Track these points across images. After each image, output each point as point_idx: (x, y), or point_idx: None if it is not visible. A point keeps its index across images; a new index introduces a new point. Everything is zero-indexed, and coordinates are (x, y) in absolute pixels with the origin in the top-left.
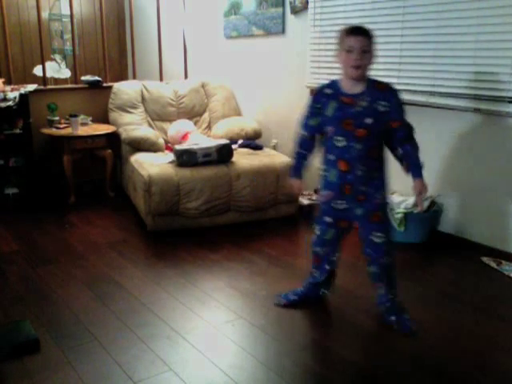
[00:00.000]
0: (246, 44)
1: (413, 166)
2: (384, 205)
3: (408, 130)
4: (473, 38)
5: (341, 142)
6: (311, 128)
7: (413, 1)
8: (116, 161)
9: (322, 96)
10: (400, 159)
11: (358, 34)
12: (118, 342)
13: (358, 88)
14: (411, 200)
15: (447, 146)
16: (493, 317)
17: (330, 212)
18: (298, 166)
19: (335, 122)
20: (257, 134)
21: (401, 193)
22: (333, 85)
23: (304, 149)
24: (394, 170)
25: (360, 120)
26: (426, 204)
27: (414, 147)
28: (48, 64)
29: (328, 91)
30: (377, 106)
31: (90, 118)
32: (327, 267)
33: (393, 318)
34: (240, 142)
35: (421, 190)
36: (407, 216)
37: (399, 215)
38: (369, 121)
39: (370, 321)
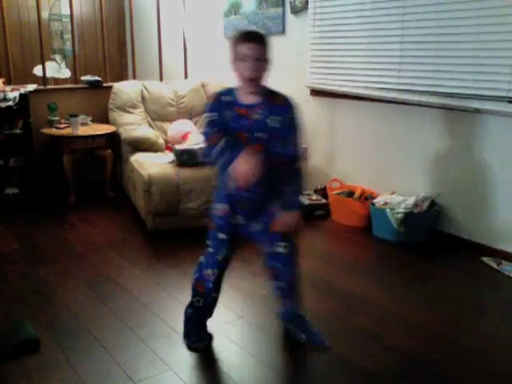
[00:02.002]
0: None
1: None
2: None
3: (296, 152)
4: (473, 38)
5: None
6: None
7: (413, 1)
8: (116, 161)
9: (219, 104)
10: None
11: (252, 40)
12: (117, 342)
13: (253, 98)
14: (411, 200)
15: (447, 145)
16: (493, 317)
17: (224, 227)
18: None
19: (231, 133)
20: None
21: (401, 193)
22: (230, 92)
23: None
24: (394, 169)
25: (252, 133)
26: (426, 204)
27: (297, 175)
28: (48, 64)
29: (225, 99)
30: (270, 120)
31: (90, 118)
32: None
33: (303, 335)
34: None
35: (283, 226)
36: (407, 216)
37: (399, 215)
38: (261, 135)
39: (371, 321)
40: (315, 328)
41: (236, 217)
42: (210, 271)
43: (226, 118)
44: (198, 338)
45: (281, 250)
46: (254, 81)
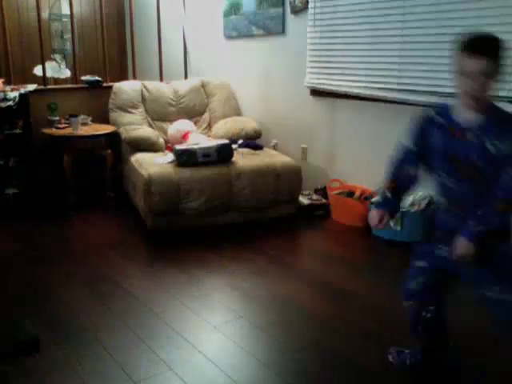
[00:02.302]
0: (246, 44)
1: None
2: None
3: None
4: None
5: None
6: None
7: (413, 1)
8: (116, 161)
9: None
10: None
11: (479, 53)
12: (117, 342)
13: (472, 117)
14: (409, 199)
15: None
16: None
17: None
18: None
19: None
20: (257, 134)
21: None
22: (445, 111)
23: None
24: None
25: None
26: (423, 203)
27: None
28: (48, 64)
29: (439, 120)
30: (490, 145)
31: (90, 118)
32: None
33: None
34: (240, 141)
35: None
36: (404, 215)
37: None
38: (476, 161)
39: (370, 321)
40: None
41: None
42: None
43: (430, 142)
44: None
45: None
46: (478, 98)
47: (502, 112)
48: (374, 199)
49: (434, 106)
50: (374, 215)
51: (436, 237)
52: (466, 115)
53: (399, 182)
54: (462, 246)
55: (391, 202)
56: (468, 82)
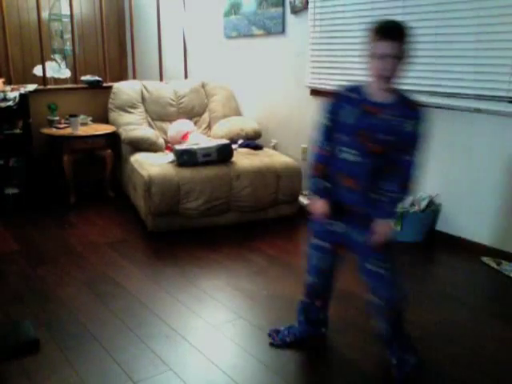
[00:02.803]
0: (246, 44)
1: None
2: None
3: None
4: (473, 38)
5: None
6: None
7: (413, 1)
8: (116, 161)
9: (343, 100)
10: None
11: (391, 37)
12: (117, 342)
13: (385, 97)
14: (408, 199)
15: (447, 145)
16: (493, 317)
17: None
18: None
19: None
20: (257, 134)
21: None
22: (358, 89)
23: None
24: None
25: (376, 134)
26: (423, 203)
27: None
28: (48, 64)
29: (353, 95)
30: (398, 123)
31: (90, 118)
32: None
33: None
34: (240, 142)
35: (378, 236)
36: (403, 215)
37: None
38: (385, 137)
39: (370, 320)
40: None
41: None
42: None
43: (344, 117)
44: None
45: (374, 267)
46: (389, 78)
47: (406, 96)
48: (309, 188)
49: (347, 85)
50: (318, 206)
51: (331, 213)
52: (377, 94)
53: (327, 163)
54: (385, 227)
55: (329, 189)
56: (380, 64)
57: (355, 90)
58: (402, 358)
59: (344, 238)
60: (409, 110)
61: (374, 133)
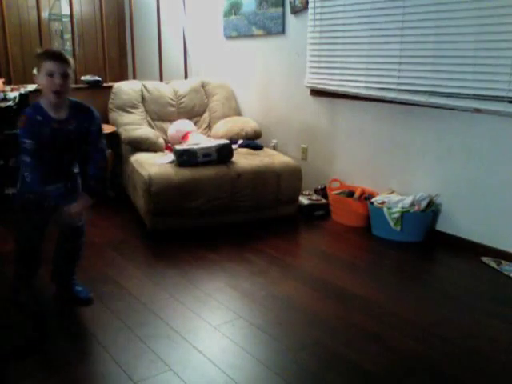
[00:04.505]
0: (246, 44)
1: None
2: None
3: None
4: (473, 38)
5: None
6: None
7: (413, 1)
8: (116, 161)
9: (34, 125)
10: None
11: (57, 59)
12: (117, 342)
13: (63, 113)
14: (409, 199)
15: (447, 145)
16: (493, 317)
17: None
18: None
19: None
20: (257, 134)
21: (400, 192)
22: (40, 110)
23: None
24: (394, 169)
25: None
26: (423, 204)
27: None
28: None
29: (39, 118)
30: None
31: None
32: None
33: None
34: (240, 142)
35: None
36: (404, 215)
37: (396, 214)
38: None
39: (370, 321)
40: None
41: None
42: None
43: (40, 134)
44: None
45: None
46: (63, 95)
47: (79, 103)
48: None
49: (29, 107)
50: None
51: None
52: (55, 110)
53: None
54: (85, 201)
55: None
56: (54, 82)
57: (38, 111)
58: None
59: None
60: (83, 115)
61: (65, 138)
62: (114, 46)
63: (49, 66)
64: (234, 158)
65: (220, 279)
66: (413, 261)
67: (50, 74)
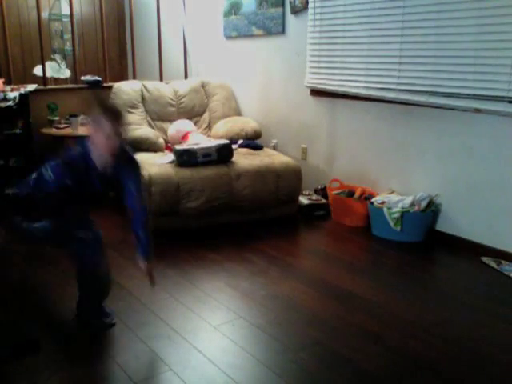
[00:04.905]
0: (246, 44)
1: None
2: None
3: None
4: (473, 38)
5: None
6: None
7: (413, 1)
8: None
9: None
10: None
11: (119, 120)
12: (118, 342)
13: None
14: (409, 199)
15: (447, 145)
16: (493, 317)
17: None
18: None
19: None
20: (257, 134)
21: (401, 192)
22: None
23: None
24: (394, 169)
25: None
26: (423, 204)
27: None
28: (48, 64)
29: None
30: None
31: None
32: None
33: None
34: (240, 142)
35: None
36: (404, 215)
37: (396, 214)
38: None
39: (370, 321)
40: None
41: None
42: None
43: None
44: None
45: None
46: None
47: (125, 152)
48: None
49: (74, 154)
50: None
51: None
52: (102, 159)
53: None
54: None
55: None
56: (109, 143)
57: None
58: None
59: None
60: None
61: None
62: (113, 46)
63: (109, 128)
64: (234, 158)
65: (220, 279)
66: (413, 261)
67: (109, 137)
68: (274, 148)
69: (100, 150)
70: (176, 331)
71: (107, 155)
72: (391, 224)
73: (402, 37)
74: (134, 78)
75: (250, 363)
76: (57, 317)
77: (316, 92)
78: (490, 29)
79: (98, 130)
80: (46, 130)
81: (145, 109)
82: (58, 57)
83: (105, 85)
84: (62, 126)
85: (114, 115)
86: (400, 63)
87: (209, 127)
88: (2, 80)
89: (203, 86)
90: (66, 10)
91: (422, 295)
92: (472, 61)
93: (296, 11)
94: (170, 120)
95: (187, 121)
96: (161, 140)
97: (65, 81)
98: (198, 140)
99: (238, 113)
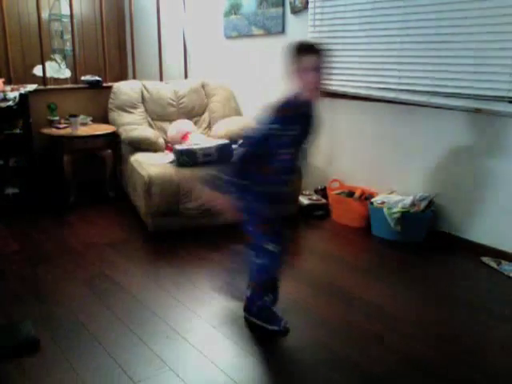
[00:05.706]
0: (246, 44)
1: None
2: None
3: None
4: (473, 38)
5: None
6: None
7: (413, 1)
8: (116, 161)
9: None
10: None
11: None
12: (117, 342)
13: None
14: (409, 199)
15: (447, 145)
16: (493, 317)
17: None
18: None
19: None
20: None
21: (401, 193)
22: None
23: None
24: (394, 169)
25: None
26: (423, 204)
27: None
28: (48, 64)
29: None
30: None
31: (90, 118)
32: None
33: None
34: (240, 141)
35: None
36: (404, 215)
37: (395, 214)
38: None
39: (371, 320)
40: None
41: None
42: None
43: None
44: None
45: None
46: (318, 89)
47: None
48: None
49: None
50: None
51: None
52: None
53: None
54: None
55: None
56: (309, 76)
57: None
58: None
59: None
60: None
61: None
62: (113, 46)
63: (312, 61)
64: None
65: (220, 279)
66: (413, 261)
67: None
68: None
69: (303, 87)
70: (176, 331)
71: (310, 91)
72: (391, 224)
73: (402, 37)
74: (134, 78)
75: (250, 363)
76: (57, 317)
77: None
78: (490, 29)
79: (294, 65)
80: (46, 130)
81: (145, 109)
82: (58, 57)
83: (105, 85)
84: (61, 125)
85: (307, 47)
86: (400, 63)
87: (209, 127)
88: (2, 80)
89: (203, 86)
90: (65, 11)
91: (422, 295)
92: (472, 61)
93: (296, 11)
94: (170, 120)
95: (187, 121)
96: (161, 140)
97: (65, 81)
98: (198, 140)
99: (238, 113)
